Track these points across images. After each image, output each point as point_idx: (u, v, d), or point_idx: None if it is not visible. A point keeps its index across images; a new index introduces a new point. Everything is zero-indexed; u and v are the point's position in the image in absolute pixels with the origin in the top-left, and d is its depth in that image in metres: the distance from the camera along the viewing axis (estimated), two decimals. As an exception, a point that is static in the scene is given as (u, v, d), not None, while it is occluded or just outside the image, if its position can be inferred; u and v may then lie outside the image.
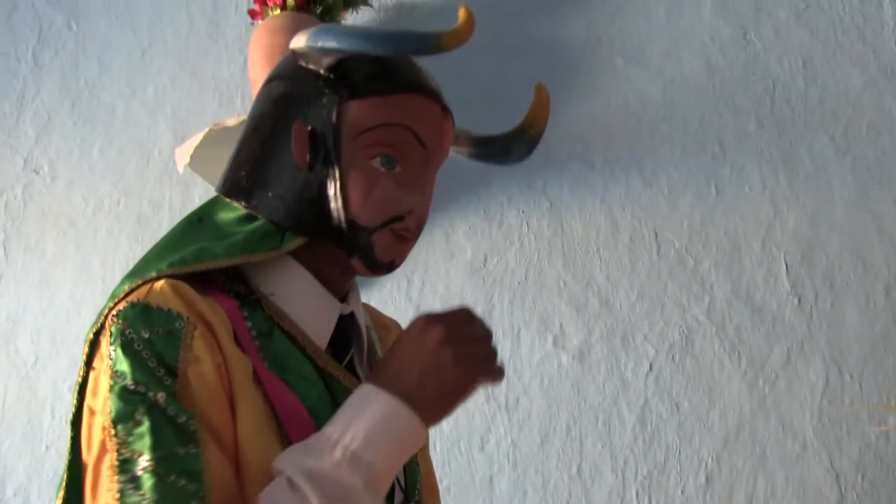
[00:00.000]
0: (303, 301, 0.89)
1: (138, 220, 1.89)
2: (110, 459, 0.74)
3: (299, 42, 0.88)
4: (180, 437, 0.74)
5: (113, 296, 0.83)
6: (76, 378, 0.80)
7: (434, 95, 0.91)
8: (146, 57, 1.97)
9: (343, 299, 0.93)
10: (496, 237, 1.83)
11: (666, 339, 1.74)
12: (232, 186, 0.91)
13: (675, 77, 1.85)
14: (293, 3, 1.70)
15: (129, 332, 0.77)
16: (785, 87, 1.81)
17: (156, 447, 0.72)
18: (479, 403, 1.75)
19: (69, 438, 0.78)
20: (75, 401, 0.80)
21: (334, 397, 0.87)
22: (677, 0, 1.88)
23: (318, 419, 0.82)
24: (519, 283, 1.81)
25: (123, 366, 0.76)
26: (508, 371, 1.76)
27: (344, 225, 0.87)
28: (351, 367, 0.93)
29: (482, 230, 1.84)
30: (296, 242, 0.87)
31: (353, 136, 0.87)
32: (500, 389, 1.75)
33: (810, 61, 1.82)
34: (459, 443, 1.73)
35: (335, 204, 0.86)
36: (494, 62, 1.86)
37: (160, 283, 0.81)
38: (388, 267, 0.90)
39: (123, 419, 0.74)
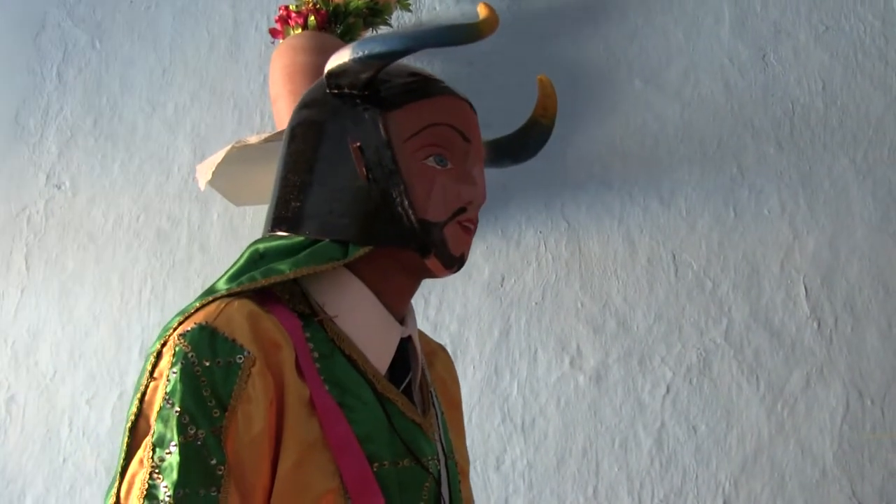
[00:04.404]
0: (365, 323, 0.90)
1: (157, 235, 1.90)
2: (142, 479, 0.76)
3: (340, 59, 0.89)
4: (205, 479, 0.75)
5: (183, 312, 0.84)
6: (140, 388, 0.81)
7: (460, 95, 0.96)
8: (167, 75, 1.99)
9: (401, 322, 0.95)
10: (513, 257, 1.83)
11: (683, 361, 1.73)
12: (287, 220, 0.92)
13: (694, 99, 1.85)
14: (314, 22, 1.72)
15: (192, 356, 0.79)
16: (804, 109, 1.81)
17: (179, 484, 0.74)
18: (494, 424, 1.74)
19: (125, 444, 0.79)
20: (135, 408, 0.80)
21: (391, 422, 0.88)
22: (696, 22, 1.88)
23: (373, 444, 0.85)
24: (536, 304, 1.80)
25: (177, 390, 0.77)
26: (525, 392, 1.76)
27: (416, 224, 0.89)
28: (407, 392, 0.95)
29: (500, 250, 1.83)
30: (362, 251, 0.88)
31: (403, 141, 0.90)
32: (517, 410, 1.75)
33: (830, 83, 1.81)
34: (475, 463, 1.72)
35: (402, 207, 0.89)
36: (515, 83, 1.86)
37: (230, 307, 0.82)
38: (459, 262, 0.93)
39: (161, 444, 0.76)
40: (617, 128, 1.85)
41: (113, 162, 1.97)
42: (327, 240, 0.89)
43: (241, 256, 0.92)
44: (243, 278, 0.86)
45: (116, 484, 0.78)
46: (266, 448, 0.79)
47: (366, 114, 0.91)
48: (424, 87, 0.94)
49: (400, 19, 1.90)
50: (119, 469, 0.79)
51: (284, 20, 1.74)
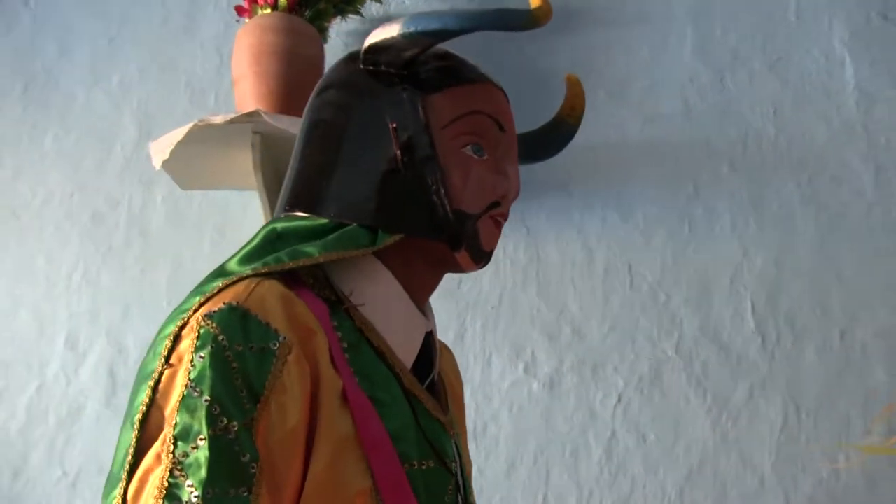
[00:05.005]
0: (393, 315, 0.85)
1: (93, 217, 1.77)
2: (160, 477, 0.67)
3: (387, 33, 0.84)
4: (236, 477, 0.67)
5: (200, 291, 0.76)
6: (153, 375, 0.72)
7: (497, 83, 0.92)
8: (114, 45, 1.85)
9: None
10: (474, 260, 1.81)
11: (635, 371, 1.76)
12: (308, 201, 0.86)
13: (655, 115, 1.89)
14: (285, 4, 1.64)
15: (223, 340, 0.71)
16: (757, 133, 1.88)
17: (208, 483, 0.66)
18: (447, 428, 1.72)
19: (133, 438, 0.69)
20: (146, 398, 0.70)
21: (418, 420, 0.83)
22: (660, 40, 1.92)
23: (402, 443, 0.79)
24: (492, 308, 1.79)
25: (206, 377, 0.69)
26: (478, 397, 1.74)
27: (451, 215, 0.84)
28: (430, 390, 0.89)
29: (458, 252, 1.81)
30: (392, 239, 0.82)
31: (441, 127, 0.85)
32: (469, 415, 1.73)
33: (781, 110, 1.89)
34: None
35: (438, 195, 0.84)
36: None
37: (262, 287, 0.75)
38: (487, 257, 0.88)
39: (185, 437, 0.68)
40: (580, 137, 1.84)
41: (44, 133, 1.82)
42: (354, 224, 0.83)
43: (256, 236, 0.85)
44: (269, 258, 0.79)
45: (122, 484, 0.68)
46: (300, 444, 0.72)
47: (404, 94, 0.86)
48: (465, 72, 0.89)
49: (369, 10, 1.84)
50: (125, 466, 0.68)
51: (254, -1, 1.66)
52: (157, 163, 1.51)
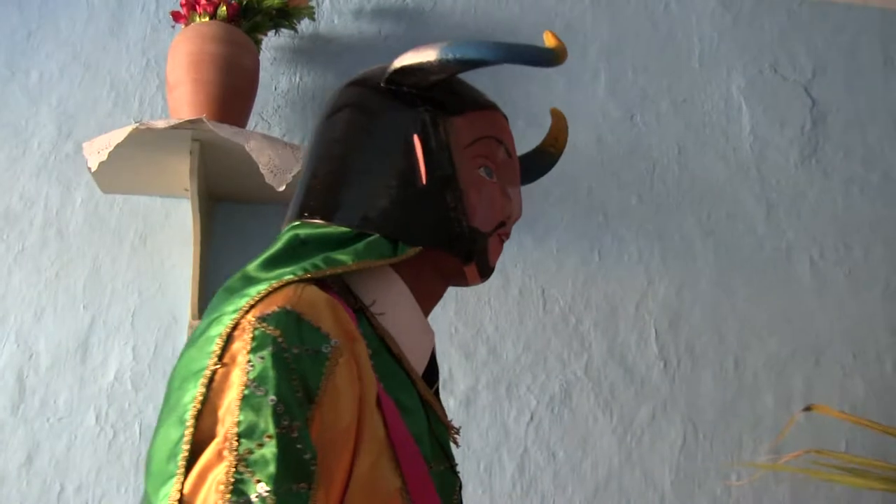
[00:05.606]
0: (407, 325, 0.89)
1: (5, 215, 1.69)
2: (224, 473, 0.68)
3: (423, 57, 0.89)
4: (299, 473, 0.69)
5: (244, 294, 0.78)
6: (205, 373, 0.73)
7: (503, 112, 0.99)
8: (33, 39, 1.79)
9: None
10: (396, 277, 1.84)
11: (547, 391, 1.83)
12: (327, 209, 0.89)
13: (569, 147, 1.95)
14: (225, 13, 1.64)
15: (282, 342, 0.73)
16: (662, 168, 2.01)
17: (279, 479, 0.68)
18: (365, 442, 1.73)
19: (189, 434, 0.70)
20: (199, 395, 0.72)
21: (431, 425, 0.87)
22: (576, 76, 2.02)
23: (422, 446, 0.83)
24: (412, 325, 1.82)
25: (269, 377, 0.71)
26: (396, 411, 1.76)
27: (466, 231, 0.90)
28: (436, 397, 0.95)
29: (380, 269, 1.84)
30: (413, 251, 0.87)
31: (461, 148, 0.91)
32: (387, 429, 1.75)
33: (684, 149, 2.03)
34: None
35: (456, 212, 0.89)
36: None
37: (308, 292, 0.78)
38: (491, 272, 0.95)
39: (250, 435, 0.69)
40: (502, 164, 1.94)
41: (-47, 126, 1.74)
42: (376, 235, 0.87)
43: (278, 241, 0.87)
44: (305, 264, 0.81)
45: (179, 479, 0.69)
46: (350, 444, 0.75)
47: (426, 114, 0.91)
48: (479, 99, 0.97)
49: (299, 26, 1.86)
50: (179, 461, 0.70)
51: (191, 5, 1.65)
52: (93, 164, 1.47)
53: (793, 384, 1.94)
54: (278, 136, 1.81)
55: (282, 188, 1.51)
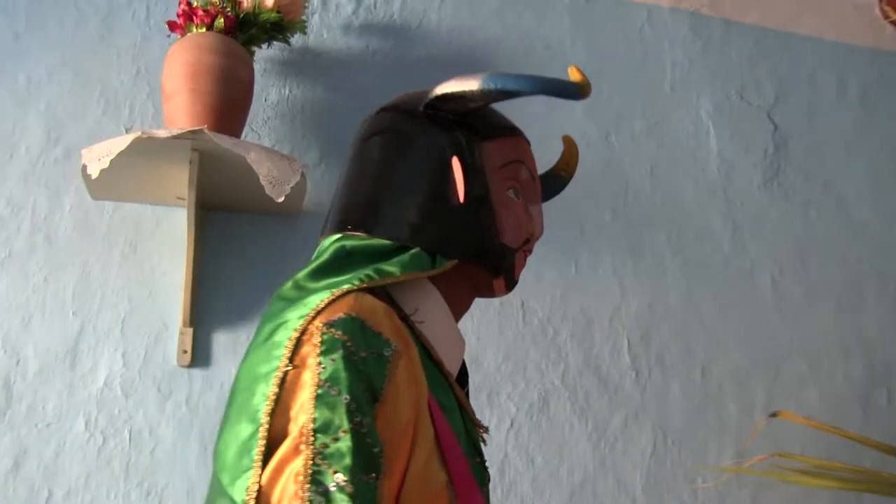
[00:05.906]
0: (443, 333, 0.95)
1: (-9, 220, 1.68)
2: (302, 465, 0.74)
3: (465, 86, 0.95)
4: (370, 465, 0.76)
5: (305, 302, 0.83)
6: (276, 374, 0.79)
7: (525, 137, 1.07)
8: (21, 42, 1.77)
9: None
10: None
11: (526, 399, 1.89)
12: (371, 223, 0.96)
13: (549, 163, 2.04)
14: (222, 25, 1.66)
15: (351, 346, 0.79)
16: (635, 187, 2.09)
17: (354, 469, 0.74)
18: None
19: (264, 430, 0.76)
20: (273, 395, 0.78)
21: (465, 425, 0.93)
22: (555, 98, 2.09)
23: (462, 443, 0.90)
24: (397, 335, 1.87)
25: (341, 378, 0.77)
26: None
27: (497, 247, 0.97)
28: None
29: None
30: (450, 264, 0.94)
31: (493, 170, 0.99)
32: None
33: (656, 169, 2.12)
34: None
35: (489, 230, 0.97)
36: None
37: (367, 300, 0.84)
38: (515, 285, 1.03)
39: (326, 430, 0.75)
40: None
41: (-63, 128, 1.71)
42: (417, 248, 0.93)
43: (325, 251, 0.94)
44: (360, 273, 0.88)
45: (255, 472, 0.75)
46: (409, 440, 0.81)
47: (463, 139, 0.98)
48: (507, 125, 1.05)
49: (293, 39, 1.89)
50: (254, 456, 0.76)
51: (188, 16, 1.66)
52: (94, 171, 1.48)
53: (755, 393, 2.04)
54: (268, 146, 1.84)
55: (281, 199, 1.54)
